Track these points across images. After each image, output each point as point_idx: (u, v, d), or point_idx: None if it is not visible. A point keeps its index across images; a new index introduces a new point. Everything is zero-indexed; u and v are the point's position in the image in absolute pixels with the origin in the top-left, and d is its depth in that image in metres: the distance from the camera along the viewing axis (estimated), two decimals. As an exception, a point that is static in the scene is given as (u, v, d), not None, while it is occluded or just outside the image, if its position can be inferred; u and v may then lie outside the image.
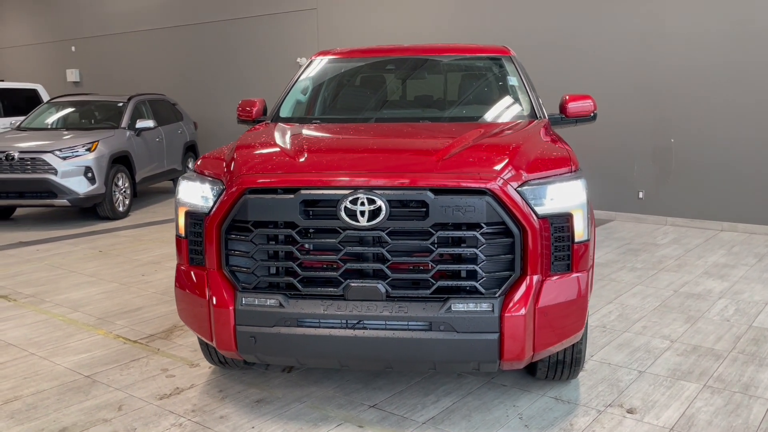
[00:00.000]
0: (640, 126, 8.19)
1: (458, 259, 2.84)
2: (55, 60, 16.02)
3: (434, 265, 2.80)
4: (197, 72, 12.99)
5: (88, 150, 8.41)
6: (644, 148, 8.21)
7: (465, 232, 2.77)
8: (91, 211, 8.98)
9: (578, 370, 3.39)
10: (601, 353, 3.96)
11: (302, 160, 2.99)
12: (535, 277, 2.82)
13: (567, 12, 8.54)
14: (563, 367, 3.35)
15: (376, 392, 3.44)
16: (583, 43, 8.46)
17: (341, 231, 2.81)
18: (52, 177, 8.08)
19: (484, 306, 2.77)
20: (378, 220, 2.75)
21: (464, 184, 2.75)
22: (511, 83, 4.33)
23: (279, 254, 2.91)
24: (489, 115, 4.09)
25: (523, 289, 2.80)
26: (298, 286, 2.87)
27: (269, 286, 2.93)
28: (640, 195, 8.31)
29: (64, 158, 8.18)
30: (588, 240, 2.96)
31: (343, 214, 2.76)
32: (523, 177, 2.86)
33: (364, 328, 2.82)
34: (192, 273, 3.09)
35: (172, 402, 3.37)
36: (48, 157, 8.12)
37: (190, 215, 3.08)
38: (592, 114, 4.35)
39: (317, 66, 4.67)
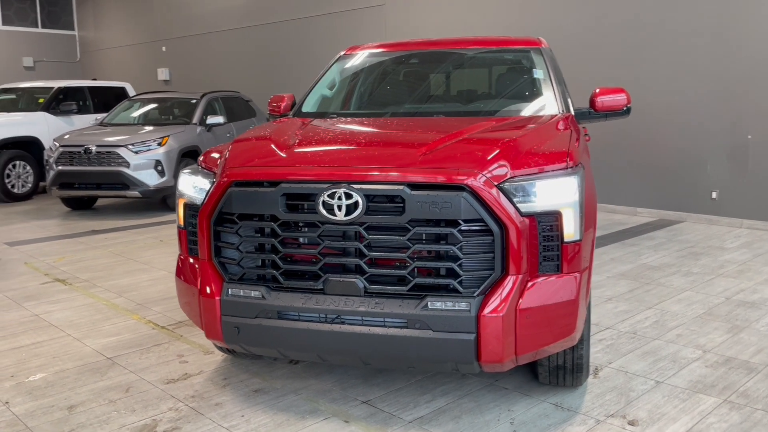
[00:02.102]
0: (715, 122, 7.68)
1: (436, 256, 2.77)
2: (147, 60, 16.93)
3: (411, 262, 2.75)
4: (274, 69, 13.35)
5: (159, 144, 8.84)
6: (719, 145, 7.69)
7: (442, 229, 2.70)
8: (161, 202, 9.43)
9: (581, 377, 3.23)
10: (621, 360, 3.75)
11: (287, 153, 3.01)
12: (518, 277, 2.71)
13: (640, 4, 8.12)
14: (564, 372, 3.21)
15: (373, 388, 3.42)
16: (655, 38, 8.03)
17: (320, 225, 2.81)
18: (125, 170, 8.56)
19: (462, 305, 2.69)
20: (355, 214, 2.74)
21: (440, 180, 2.69)
22: (536, 76, 4.17)
23: (261, 247, 2.95)
24: (507, 109, 3.96)
25: (503, 289, 2.70)
26: (280, 278, 2.90)
27: (253, 277, 2.97)
28: (713, 195, 7.80)
29: (137, 152, 8.65)
30: (580, 240, 2.82)
31: (321, 208, 2.76)
32: (508, 173, 2.75)
33: (342, 323, 2.81)
34: (188, 263, 3.19)
35: (177, 387, 3.49)
36: (122, 151, 8.61)
37: (187, 207, 3.18)
38: (624, 108, 4.12)
39: (344, 61, 4.69)
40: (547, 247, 2.78)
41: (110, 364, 3.82)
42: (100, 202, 10.10)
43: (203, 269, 3.05)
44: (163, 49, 16.35)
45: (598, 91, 4.13)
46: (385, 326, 2.76)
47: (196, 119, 9.81)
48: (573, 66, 8.71)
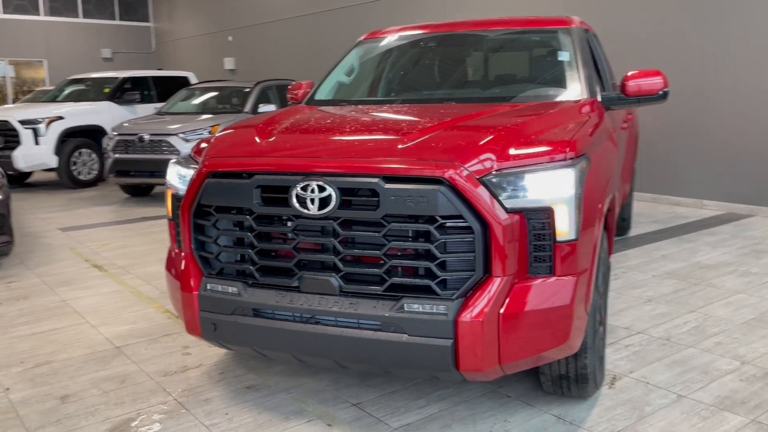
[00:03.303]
0: (790, 107, 7.01)
1: (413, 254, 2.57)
2: (214, 49, 17.27)
3: (387, 260, 2.56)
4: (335, 56, 13.27)
5: (209, 133, 8.93)
6: (794, 132, 7.03)
7: (419, 226, 2.49)
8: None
9: (587, 388, 2.95)
10: (644, 370, 3.43)
11: (266, 144, 2.87)
12: (503, 279, 2.47)
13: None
14: (568, 382, 2.94)
15: (368, 390, 3.26)
16: (730, 13, 7.40)
17: (294, 219, 2.67)
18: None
19: (440, 308, 2.48)
20: (328, 208, 2.57)
21: (416, 172, 2.47)
22: (560, 58, 3.85)
23: (239, 241, 2.84)
24: (524, 95, 3.68)
25: (486, 292, 2.46)
26: (256, 274, 2.77)
27: (231, 273, 2.86)
28: (788, 187, 7.14)
29: (187, 141, 8.77)
30: (575, 239, 2.54)
31: (294, 201, 2.61)
32: (494, 165, 2.51)
33: (318, 323, 2.66)
34: (174, 255, 3.12)
35: (172, 380, 3.44)
36: (173, 140, 8.76)
37: (174, 198, 3.10)
38: (660, 92, 3.74)
39: (362, 47, 4.50)
40: (538, 246, 2.53)
41: (116, 354, 3.82)
42: (157, 189, 10.35)
43: (186, 263, 2.97)
44: (229, 38, 16.62)
45: (630, 74, 3.77)
46: (359, 328, 2.59)
47: (248, 108, 9.87)
48: (638, 44, 8.19)
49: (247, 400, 3.20)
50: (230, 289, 2.80)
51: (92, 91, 11.95)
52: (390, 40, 4.46)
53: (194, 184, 2.86)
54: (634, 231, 6.72)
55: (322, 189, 2.56)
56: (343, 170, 2.56)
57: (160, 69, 14.81)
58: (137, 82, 12.05)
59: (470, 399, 3.14)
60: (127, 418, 3.05)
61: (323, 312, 2.62)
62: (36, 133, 10.36)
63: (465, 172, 2.45)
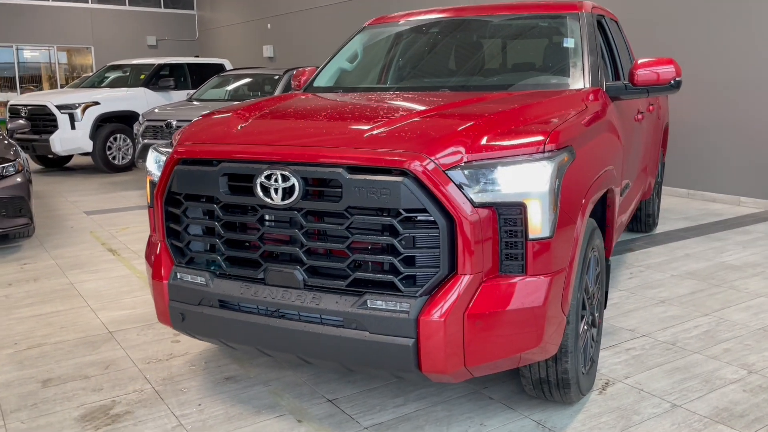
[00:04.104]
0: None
1: (377, 249, 2.46)
2: (253, 37, 17.37)
3: (350, 254, 2.45)
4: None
5: (236, 120, 8.94)
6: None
7: (381, 219, 2.37)
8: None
9: (570, 393, 2.79)
10: (641, 375, 3.24)
11: (236, 130, 2.79)
12: (470, 278, 2.34)
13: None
14: (549, 387, 2.79)
15: (347, 386, 3.17)
16: (766, -2, 6.99)
17: (259, 209, 2.58)
18: (202, 144, 8.75)
19: (403, 305, 2.37)
20: (292, 199, 2.48)
21: (380, 163, 2.35)
22: (565, 45, 3.65)
23: (206, 230, 2.77)
24: (522, 83, 3.50)
25: (450, 290, 2.33)
26: (223, 265, 2.71)
27: (199, 262, 2.80)
28: (831, 185, 6.72)
29: (213, 127, 8.80)
30: (549, 237, 2.39)
31: (258, 190, 2.52)
32: (463, 156, 2.37)
33: (282, 317, 2.57)
34: (151, 242, 3.08)
35: (154, 368, 3.42)
36: (199, 126, 8.80)
37: (152, 184, 3.06)
38: (672, 82, 3.51)
39: (365, 33, 4.38)
40: (509, 243, 2.38)
41: (107, 339, 3.83)
42: (187, 175, 10.44)
43: (159, 251, 2.93)
44: (268, 26, 16.68)
45: (640, 61, 3.55)
46: (321, 323, 2.50)
47: (278, 94, 9.85)
48: (672, 33, 7.84)
49: (223, 392, 3.15)
50: (198, 279, 2.74)
51: (130, 77, 12.15)
52: (395, 25, 4.33)
53: (165, 171, 2.81)
54: (661, 227, 6.43)
55: (285, 178, 2.47)
56: (306, 159, 2.46)
57: (197, 56, 14.95)
58: (173, 69, 12.19)
59: (450, 399, 3.02)
60: (102, 405, 3.04)
61: (286, 306, 2.53)
62: (72, 118, 10.59)
63: (431, 164, 2.32)
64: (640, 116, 4.31)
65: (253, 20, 17.43)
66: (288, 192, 2.48)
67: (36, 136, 10.61)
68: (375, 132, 2.51)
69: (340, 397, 3.07)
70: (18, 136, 10.73)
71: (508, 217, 2.36)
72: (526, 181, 2.35)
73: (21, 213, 5.87)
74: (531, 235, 2.36)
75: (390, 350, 2.38)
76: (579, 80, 3.41)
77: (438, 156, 2.34)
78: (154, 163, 3.02)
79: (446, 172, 2.33)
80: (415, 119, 2.64)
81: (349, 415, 2.90)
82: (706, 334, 3.77)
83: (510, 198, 2.35)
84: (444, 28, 4.13)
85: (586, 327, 2.91)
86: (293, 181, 2.45)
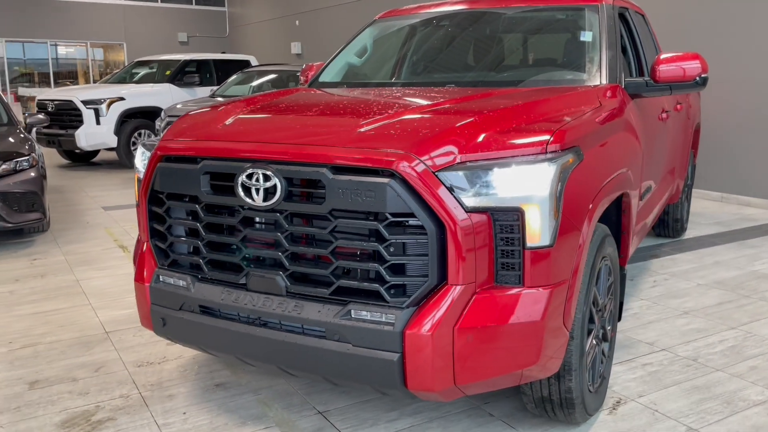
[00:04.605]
0: None
1: (362, 255, 2.28)
2: (281, 34, 17.32)
3: (334, 260, 2.28)
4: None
5: (256, 116, 8.85)
6: None
7: (366, 223, 2.20)
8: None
9: (574, 414, 2.58)
10: (657, 394, 3.01)
11: (221, 126, 2.64)
12: (461, 288, 2.15)
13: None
14: (552, 406, 2.58)
15: (341, 397, 3.01)
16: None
17: (241, 210, 2.43)
18: (222, 141, 8.68)
19: (388, 317, 2.19)
20: (274, 200, 2.32)
21: (365, 162, 2.18)
22: (582, 39, 3.43)
23: (188, 231, 2.63)
24: (534, 79, 3.29)
25: (439, 301, 2.15)
26: (205, 268, 2.56)
27: (182, 265, 2.67)
28: None
29: (233, 124, 8.73)
30: (550, 246, 2.19)
31: (240, 190, 2.37)
32: (456, 157, 2.18)
33: (264, 325, 2.42)
34: (139, 243, 2.96)
35: (145, 371, 3.31)
36: (219, 122, 8.73)
37: (139, 182, 2.93)
38: (696, 78, 3.27)
39: (376, 26, 4.21)
40: (505, 252, 2.19)
41: (102, 340, 3.73)
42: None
43: (144, 252, 2.81)
44: (297, 23, 16.61)
45: (662, 56, 3.31)
46: (303, 334, 2.33)
47: (299, 91, 9.74)
48: (705, 29, 7.50)
49: (210, 400, 3.01)
50: (180, 283, 2.61)
51: (157, 73, 12.18)
52: (406, 18, 4.15)
53: (148, 168, 2.68)
54: (691, 233, 6.12)
55: (267, 178, 2.31)
56: (288, 157, 2.30)
57: (223, 52, 14.95)
58: (199, 65, 12.17)
59: (448, 415, 2.83)
60: (85, 410, 2.93)
61: (266, 314, 2.38)
62: (97, 113, 10.63)
63: (419, 165, 2.14)
64: (665, 115, 4.05)
65: (281, 17, 17.39)
66: (270, 192, 2.32)
67: (62, 131, 10.68)
68: (364, 129, 2.33)
69: (332, 409, 2.90)
70: (44, 131, 10.84)
71: (504, 223, 2.17)
72: (524, 185, 2.15)
73: (34, 208, 5.84)
74: (529, 244, 2.17)
75: (374, 365, 2.20)
76: (595, 76, 3.19)
77: (428, 156, 2.16)
78: (140, 160, 2.90)
79: (437, 173, 2.14)
80: (409, 116, 2.47)
81: (338, 429, 2.74)
82: (731, 349, 3.51)
83: (506, 203, 2.15)
84: (456, 21, 3.93)
85: (595, 342, 2.70)
86: (275, 181, 2.30)
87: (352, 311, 2.24)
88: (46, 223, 6.23)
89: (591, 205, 2.41)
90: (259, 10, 18.77)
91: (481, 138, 2.24)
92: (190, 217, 2.61)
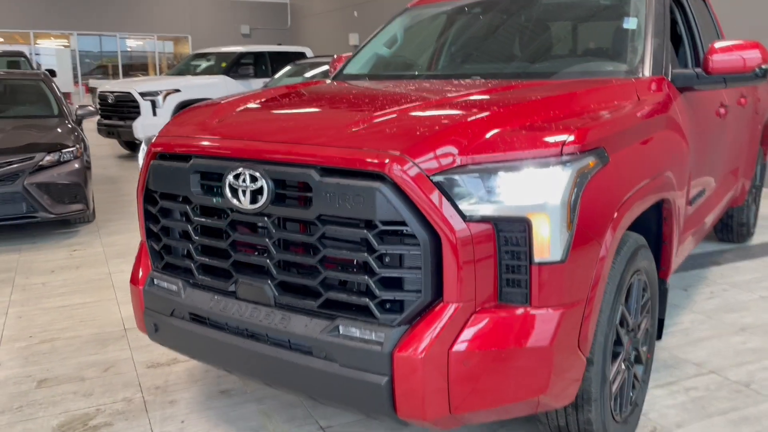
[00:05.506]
0: None
1: (351, 266, 2.07)
2: (340, 25, 17.24)
3: (323, 270, 2.08)
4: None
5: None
6: None
7: (356, 231, 1.99)
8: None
9: (594, 447, 2.30)
10: (697, 425, 2.68)
11: (216, 123, 2.48)
12: (458, 306, 1.92)
13: None
14: (570, 437, 2.31)
15: (346, 412, 2.81)
16: None
17: (229, 212, 2.26)
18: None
19: (378, 336, 1.98)
20: (261, 203, 2.14)
21: (352, 164, 1.97)
22: (626, 26, 3.10)
23: (180, 233, 2.49)
24: (569, 71, 2.99)
25: (433, 320, 1.92)
26: (195, 272, 2.41)
27: (174, 269, 2.53)
28: None
29: (281, 116, 8.67)
30: (562, 261, 1.92)
31: (227, 191, 2.21)
32: (456, 159, 1.94)
33: (252, 337, 2.25)
34: (140, 243, 2.85)
35: (153, 373, 3.21)
36: (267, 115, 8.69)
37: (143, 179, 2.82)
38: (756, 70, 2.89)
39: (407, 15, 3.97)
40: (510, 267, 1.94)
41: (119, 337, 3.67)
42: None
43: (141, 253, 2.69)
44: (355, 14, 16.48)
45: (717, 45, 2.94)
46: (289, 349, 2.15)
47: (349, 83, 9.60)
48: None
49: (212, 407, 2.88)
50: (173, 287, 2.47)
51: (215, 65, 12.29)
52: (437, 7, 3.90)
53: (144, 166, 2.55)
54: (758, 238, 5.62)
55: (254, 179, 2.13)
56: (276, 157, 2.11)
57: (279, 44, 14.98)
58: (255, 57, 12.21)
59: (458, 438, 2.60)
60: (84, 413, 2.84)
61: (253, 325, 2.21)
62: (154, 105, 10.79)
63: (412, 168, 1.91)
64: (723, 110, 3.66)
65: (340, 8, 17.31)
66: (258, 195, 2.14)
67: (121, 122, 10.91)
68: (358, 127, 2.12)
69: (335, 425, 2.72)
70: (105, 122, 11.12)
71: (509, 235, 1.92)
72: (533, 192, 1.90)
73: (77, 199, 5.89)
74: (536, 259, 1.91)
75: (361, 388, 2.00)
76: (637, 68, 2.87)
77: (423, 158, 1.92)
78: (142, 156, 2.77)
79: (432, 177, 1.91)
80: (411, 113, 2.24)
81: (337, 448, 2.56)
82: (791, 375, 3.13)
83: (511, 212, 1.90)
84: (491, 9, 3.65)
85: (624, 366, 2.41)
86: (262, 182, 2.11)
87: (341, 327, 2.04)
88: (90, 213, 6.29)
89: (616, 214, 2.12)
90: (319, 1, 18.74)
91: (485, 137, 1.99)
92: (183, 219, 2.46)
